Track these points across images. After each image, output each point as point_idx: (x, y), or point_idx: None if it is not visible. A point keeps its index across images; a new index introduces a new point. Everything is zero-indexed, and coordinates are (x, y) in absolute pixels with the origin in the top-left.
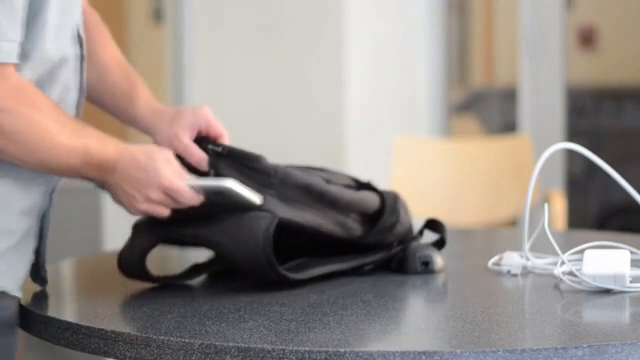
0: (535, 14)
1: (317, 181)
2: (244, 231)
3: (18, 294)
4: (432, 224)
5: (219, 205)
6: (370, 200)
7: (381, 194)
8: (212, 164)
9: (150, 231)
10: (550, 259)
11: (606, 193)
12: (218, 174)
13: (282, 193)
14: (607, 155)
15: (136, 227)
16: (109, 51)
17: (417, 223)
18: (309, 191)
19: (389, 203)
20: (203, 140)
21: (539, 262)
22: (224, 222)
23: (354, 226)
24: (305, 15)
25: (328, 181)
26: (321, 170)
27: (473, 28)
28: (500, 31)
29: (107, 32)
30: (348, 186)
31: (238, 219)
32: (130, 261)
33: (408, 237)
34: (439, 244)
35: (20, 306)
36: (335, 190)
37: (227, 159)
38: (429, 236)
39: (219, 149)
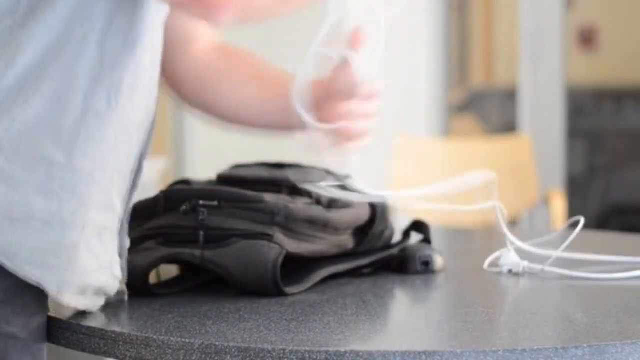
0: (535, 14)
1: (319, 212)
2: (254, 258)
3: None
4: (417, 225)
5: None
6: (364, 213)
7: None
8: (202, 220)
9: (154, 250)
10: (548, 258)
11: (606, 193)
12: (211, 223)
13: (287, 228)
14: (607, 155)
15: (135, 244)
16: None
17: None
18: (312, 222)
19: (379, 211)
20: (193, 193)
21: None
22: (233, 247)
23: (347, 240)
24: (304, 14)
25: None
26: (296, 166)
27: (473, 28)
28: (500, 31)
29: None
30: (333, 202)
31: (248, 247)
32: (130, 279)
33: (392, 239)
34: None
35: None
36: (337, 217)
37: (228, 203)
38: (415, 237)
39: (214, 203)
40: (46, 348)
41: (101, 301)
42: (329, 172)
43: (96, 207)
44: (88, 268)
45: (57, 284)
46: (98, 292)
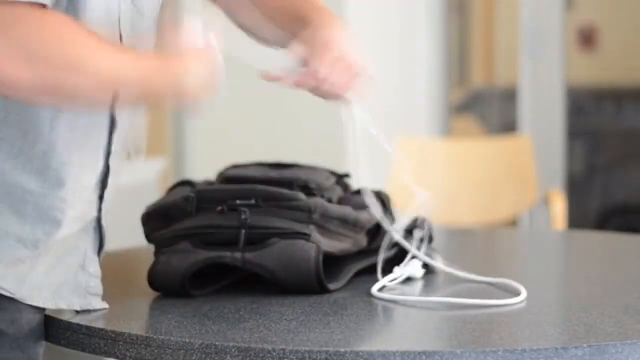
0: (535, 14)
1: (349, 211)
2: (295, 258)
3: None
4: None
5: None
6: (377, 214)
7: (380, 199)
8: (244, 219)
9: (192, 253)
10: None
11: (606, 193)
12: (252, 222)
13: (322, 226)
14: (607, 155)
15: (167, 245)
16: None
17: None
18: (344, 221)
19: (387, 209)
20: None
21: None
22: (273, 248)
23: (363, 238)
24: None
25: (323, 189)
26: (296, 166)
27: (473, 28)
28: (500, 31)
29: None
30: (343, 199)
31: (287, 247)
32: (168, 281)
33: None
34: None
35: None
36: (365, 218)
37: (265, 202)
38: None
39: (252, 202)
40: (42, 347)
41: (84, 300)
42: (330, 172)
43: (70, 225)
44: (62, 275)
45: (31, 295)
46: (76, 290)
